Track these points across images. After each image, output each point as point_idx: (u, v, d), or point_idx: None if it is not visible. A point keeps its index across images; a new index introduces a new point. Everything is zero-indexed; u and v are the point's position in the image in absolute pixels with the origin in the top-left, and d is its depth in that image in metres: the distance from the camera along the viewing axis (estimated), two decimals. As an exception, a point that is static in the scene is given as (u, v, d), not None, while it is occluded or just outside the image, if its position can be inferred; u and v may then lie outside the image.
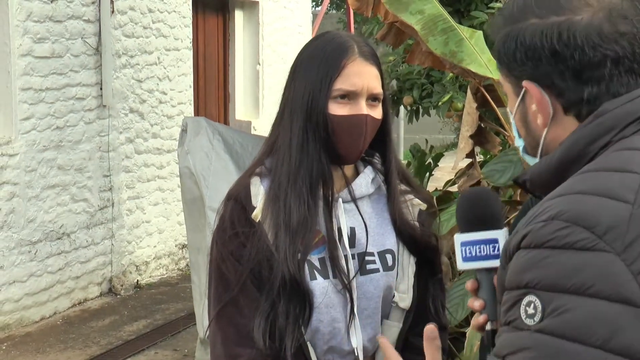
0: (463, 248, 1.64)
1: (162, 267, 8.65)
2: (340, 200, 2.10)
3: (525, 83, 1.48)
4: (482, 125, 4.29)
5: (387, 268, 2.12)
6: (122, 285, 7.93)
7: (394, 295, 2.13)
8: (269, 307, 2.01)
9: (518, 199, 4.17)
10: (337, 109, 2.05)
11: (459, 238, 1.65)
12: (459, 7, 7.09)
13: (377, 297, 2.10)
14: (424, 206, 2.22)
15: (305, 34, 11.03)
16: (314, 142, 2.05)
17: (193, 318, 5.60)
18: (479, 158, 5.36)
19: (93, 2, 7.55)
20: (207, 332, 2.13)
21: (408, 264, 2.15)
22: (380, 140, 2.16)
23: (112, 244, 7.92)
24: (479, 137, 4.30)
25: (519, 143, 1.59)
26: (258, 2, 10.11)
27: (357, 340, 2.07)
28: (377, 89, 2.08)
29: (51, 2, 7.09)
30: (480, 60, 3.77)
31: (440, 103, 7.39)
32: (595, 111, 1.43)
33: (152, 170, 8.44)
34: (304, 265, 2.02)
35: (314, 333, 2.05)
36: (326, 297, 2.04)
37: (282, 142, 2.09)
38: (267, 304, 2.01)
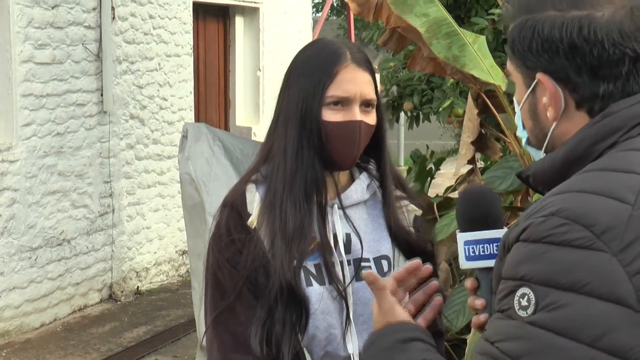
0: (466, 247, 1.65)
1: (163, 273, 8.64)
2: (335, 206, 2.11)
3: (539, 75, 1.47)
4: (483, 131, 4.29)
5: (382, 274, 2.12)
6: (122, 292, 7.92)
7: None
8: (266, 314, 2.02)
9: (519, 204, 4.17)
10: (330, 115, 2.06)
11: (462, 237, 1.65)
12: (459, 13, 7.10)
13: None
14: (419, 212, 2.23)
15: (305, 40, 11.03)
16: (308, 149, 2.06)
17: (193, 324, 5.60)
18: (480, 164, 5.36)
19: (94, 9, 7.56)
20: (204, 339, 2.13)
21: None
22: (375, 146, 2.17)
23: (113, 250, 7.91)
24: (480, 143, 4.29)
25: (522, 134, 1.58)
26: (258, 8, 10.12)
27: (353, 346, 2.07)
28: (370, 94, 2.09)
29: (52, 8, 7.10)
30: (483, 66, 3.77)
31: (440, 109, 7.39)
32: (603, 111, 1.44)
33: (152, 176, 8.44)
34: (300, 272, 2.03)
35: (311, 339, 2.05)
36: (322, 303, 2.04)
37: (277, 150, 2.10)
38: (263, 311, 2.02)
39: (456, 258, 4.31)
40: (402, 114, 8.82)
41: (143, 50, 8.24)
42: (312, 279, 2.05)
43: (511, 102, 4.28)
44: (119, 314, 7.54)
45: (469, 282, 1.64)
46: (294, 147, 2.07)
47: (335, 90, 2.06)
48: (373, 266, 2.11)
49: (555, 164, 1.46)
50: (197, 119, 9.19)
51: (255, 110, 10.16)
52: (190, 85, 8.98)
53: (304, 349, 2.05)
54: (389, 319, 1.64)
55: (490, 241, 1.62)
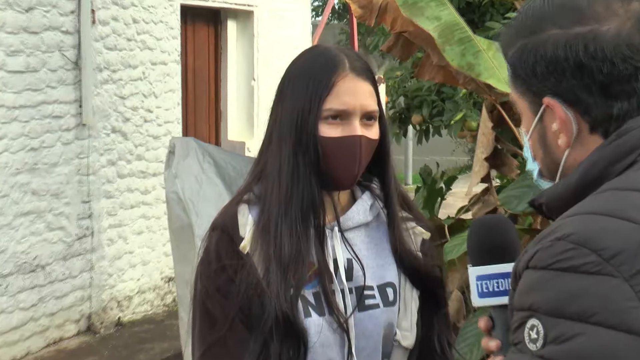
0: (479, 283, 1.64)
1: (147, 302, 8.63)
2: (335, 229, 2.11)
3: (546, 100, 1.48)
4: (498, 146, 4.30)
5: (387, 303, 2.12)
6: (102, 323, 7.91)
7: (395, 333, 2.13)
8: (260, 348, 2.01)
9: (538, 227, 4.17)
10: (328, 130, 2.06)
11: (474, 271, 1.65)
12: (472, 17, 7.12)
13: (377, 335, 2.10)
14: (427, 235, 2.23)
15: (304, 47, 11.04)
16: (304, 168, 2.07)
17: (180, 358, 5.59)
18: (495, 183, 5.36)
19: (72, 12, 7.58)
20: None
21: (411, 299, 2.16)
22: (378, 163, 2.17)
23: (92, 277, 7.90)
24: (495, 159, 4.30)
25: (533, 167, 1.59)
26: (253, 11, 10.15)
27: (355, 383, 2.06)
28: (372, 106, 2.09)
29: (26, 11, 7.12)
30: (499, 75, 3.78)
31: (452, 122, 7.40)
32: (617, 130, 1.44)
33: (136, 195, 8.44)
34: (297, 302, 2.03)
35: (309, 375, 2.05)
36: (321, 335, 2.04)
37: (271, 168, 2.10)
38: (257, 344, 2.01)
39: (469, 286, 4.30)
40: (410, 128, 8.82)
41: (126, 58, 8.25)
42: (310, 309, 2.05)
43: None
44: (98, 347, 7.52)
45: (482, 322, 1.65)
46: (289, 166, 2.07)
47: (332, 103, 2.06)
48: (377, 294, 2.11)
49: (569, 189, 1.47)
50: (186, 132, 9.20)
51: (249, 123, 10.17)
52: (177, 96, 8.99)
53: (302, 385, 2.04)
54: None
55: (505, 276, 1.62)
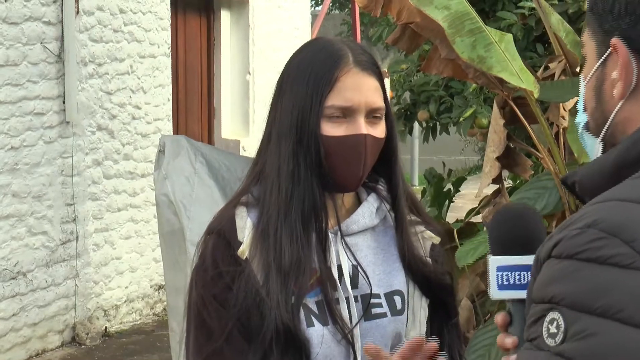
0: (500, 274, 1.64)
1: (135, 311, 8.64)
2: (339, 234, 2.11)
3: (614, 40, 1.48)
4: (510, 145, 4.30)
5: (395, 312, 2.12)
6: (87, 334, 7.91)
7: (403, 344, 2.13)
8: None
9: (554, 230, 4.17)
10: (331, 129, 2.07)
11: (495, 261, 1.64)
12: (483, 6, 7.11)
13: (385, 346, 2.10)
14: (437, 239, 2.23)
15: (303, 38, 11.07)
16: (305, 169, 2.07)
17: (171, 372, 5.59)
18: (507, 184, 5.36)
19: (54, 1, 7.59)
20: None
21: (420, 307, 2.16)
22: (384, 163, 2.17)
23: (76, 285, 7.91)
24: (507, 159, 4.30)
25: (581, 119, 1.58)
26: (248, 1, 10.16)
27: (361, 398, 2.07)
28: (378, 102, 2.10)
29: (5, 1, 7.13)
30: (512, 68, 3.78)
31: (461, 119, 7.40)
32: None
33: (123, 197, 8.44)
34: (299, 312, 2.03)
35: (312, 389, 2.05)
36: (324, 346, 2.04)
37: (271, 169, 2.10)
38: (256, 356, 2.02)
39: (480, 294, 4.31)
40: (416, 125, 8.82)
41: (112, 50, 8.26)
42: (313, 318, 2.05)
43: (544, 110, 4.30)
44: (83, 359, 7.52)
45: (499, 317, 1.63)
46: (288, 166, 2.07)
47: (335, 99, 2.06)
48: (384, 303, 2.12)
49: (605, 169, 1.46)
50: (176, 130, 9.21)
51: (244, 120, 10.18)
52: (167, 92, 9.00)
53: (304, 400, 2.05)
54: None
55: (528, 268, 1.60)
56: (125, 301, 8.50)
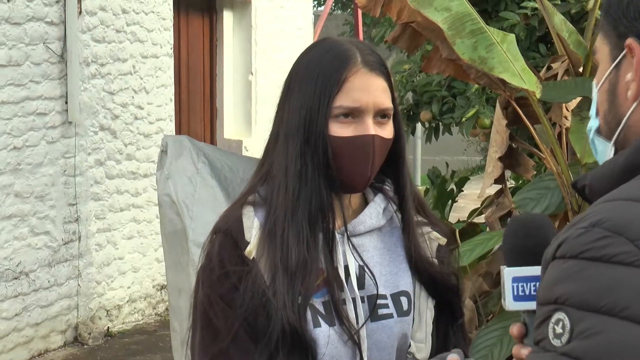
0: (515, 285, 1.64)
1: (137, 311, 8.64)
2: (346, 234, 2.11)
3: (629, 40, 1.48)
4: (513, 145, 4.30)
5: (402, 313, 2.12)
6: (90, 334, 7.91)
7: (409, 345, 2.13)
8: None
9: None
10: (339, 129, 2.06)
11: (510, 272, 1.65)
12: (485, 6, 7.11)
13: (391, 347, 2.10)
14: (443, 240, 2.23)
15: (305, 39, 11.07)
16: (312, 169, 2.07)
17: (173, 372, 5.58)
18: (510, 184, 5.36)
19: (57, 2, 7.59)
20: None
21: (426, 308, 2.16)
22: (392, 164, 2.17)
23: (79, 285, 7.91)
24: (510, 159, 4.30)
25: (593, 124, 1.58)
26: (250, 1, 10.15)
27: (367, 399, 2.07)
28: (386, 103, 2.09)
29: (8, 1, 7.13)
30: (514, 69, 3.78)
31: (464, 119, 7.40)
32: None
33: (126, 197, 8.44)
34: (306, 312, 2.03)
35: (318, 390, 2.05)
36: (331, 347, 2.04)
37: (278, 169, 2.10)
38: (262, 357, 2.02)
39: (482, 294, 4.31)
40: (418, 125, 8.82)
41: (115, 50, 8.26)
42: (320, 318, 2.05)
43: (547, 111, 4.30)
44: (86, 359, 7.52)
45: (515, 328, 1.64)
46: (296, 167, 2.07)
47: (343, 100, 2.06)
48: (390, 303, 2.12)
49: (615, 171, 1.46)
50: (179, 130, 9.21)
51: (247, 120, 10.18)
52: (170, 92, 9.00)
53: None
54: None
55: None
56: (127, 301, 8.50)
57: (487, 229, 4.47)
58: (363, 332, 2.07)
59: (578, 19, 6.11)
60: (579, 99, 4.05)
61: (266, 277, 2.03)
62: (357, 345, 2.05)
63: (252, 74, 10.20)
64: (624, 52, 1.49)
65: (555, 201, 3.97)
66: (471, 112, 7.28)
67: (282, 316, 1.99)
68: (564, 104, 4.20)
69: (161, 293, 8.79)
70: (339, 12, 22.08)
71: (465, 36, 3.81)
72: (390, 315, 2.11)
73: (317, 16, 12.98)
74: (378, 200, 2.18)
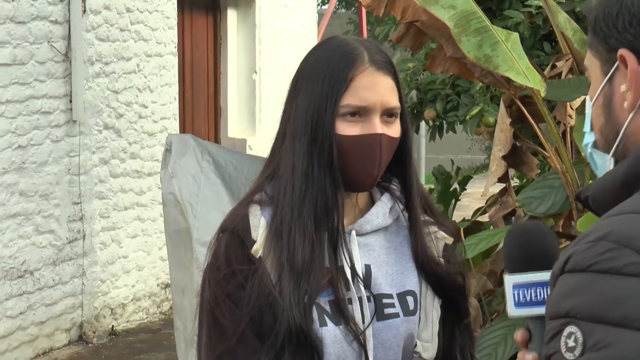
0: (516, 291, 1.65)
1: (142, 310, 8.64)
2: (353, 233, 2.11)
3: (622, 51, 1.48)
4: (517, 144, 4.30)
5: (407, 312, 2.12)
6: (94, 332, 7.92)
7: (415, 345, 2.13)
8: None
9: (560, 230, 4.17)
10: (346, 128, 2.06)
11: (511, 279, 1.65)
12: (490, 5, 7.10)
13: (397, 346, 2.10)
14: (450, 240, 2.23)
15: (309, 37, 11.07)
16: (319, 168, 2.06)
17: (178, 371, 5.58)
18: (514, 182, 5.36)
19: (61, 0, 7.59)
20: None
21: (432, 308, 2.16)
22: (398, 163, 2.17)
23: (83, 284, 7.91)
24: (514, 158, 4.30)
25: (588, 139, 1.58)
26: (254, 0, 10.15)
27: (373, 398, 2.06)
28: (393, 102, 2.09)
29: (12, 0, 7.13)
30: (518, 67, 3.78)
31: (468, 117, 7.39)
32: None
33: (130, 196, 8.45)
34: (312, 311, 2.03)
35: (324, 389, 2.05)
36: (337, 346, 2.04)
37: (285, 168, 2.10)
38: (269, 357, 2.02)
39: (486, 293, 4.31)
40: (422, 124, 8.82)
41: (119, 49, 8.26)
42: (326, 318, 2.05)
43: (551, 109, 4.29)
44: (90, 358, 7.53)
45: (518, 334, 1.64)
46: (303, 166, 2.07)
47: (350, 99, 2.06)
48: (397, 303, 2.12)
49: (616, 181, 1.46)
50: (183, 129, 9.21)
51: (251, 119, 10.17)
52: (174, 90, 9.00)
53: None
54: None
55: (544, 284, 1.62)
56: (132, 300, 8.50)
57: (491, 227, 4.47)
58: (369, 332, 2.07)
59: (582, 18, 6.10)
60: (583, 97, 4.04)
61: (272, 276, 2.03)
62: (362, 344, 2.05)
63: (256, 72, 10.20)
64: (616, 64, 1.50)
65: (559, 200, 3.97)
66: (475, 111, 7.27)
67: (288, 315, 1.99)
68: (568, 103, 4.19)
69: (165, 292, 8.79)
70: (343, 10, 22.08)
71: (471, 34, 3.81)
72: (396, 315, 2.11)
73: (321, 15, 12.97)
74: (385, 200, 2.18)
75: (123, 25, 8.30)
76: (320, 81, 2.07)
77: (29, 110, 7.31)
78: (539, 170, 4.52)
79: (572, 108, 4.21)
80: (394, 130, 2.10)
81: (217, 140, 9.77)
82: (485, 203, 4.76)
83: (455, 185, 5.85)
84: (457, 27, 3.80)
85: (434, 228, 2.21)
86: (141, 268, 8.61)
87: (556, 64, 4.44)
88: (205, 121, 9.85)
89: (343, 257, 2.08)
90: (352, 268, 2.08)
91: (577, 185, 3.92)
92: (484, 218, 4.94)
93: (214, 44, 9.92)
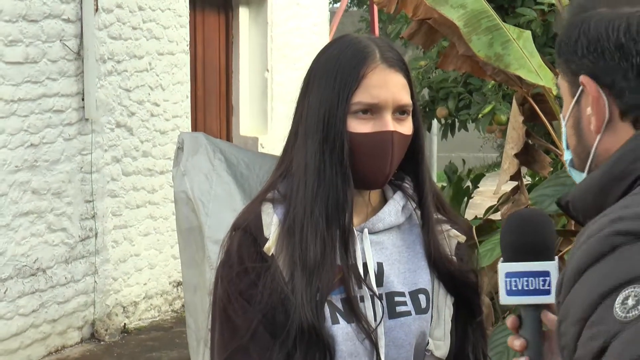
0: (508, 280, 1.67)
1: (154, 308, 8.65)
2: (366, 231, 2.11)
3: (582, 78, 1.50)
4: (529, 141, 4.29)
5: (420, 310, 2.12)
6: (106, 330, 7.93)
7: (428, 343, 2.13)
8: (284, 358, 2.02)
9: (572, 228, 4.16)
10: (357, 126, 2.06)
11: (503, 268, 1.67)
12: (502, 3, 7.10)
13: (409, 344, 2.10)
14: (462, 238, 2.23)
15: (321, 35, 11.07)
16: (331, 166, 2.07)
17: (190, 369, 5.59)
18: (526, 181, 5.35)
19: (74, -1, 7.60)
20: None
21: (444, 306, 2.16)
22: (411, 160, 2.17)
23: (95, 282, 7.93)
24: (526, 155, 4.29)
25: (567, 156, 1.60)
26: (266, -3, 10.16)
27: (385, 396, 2.07)
28: (405, 99, 2.09)
29: (25, -2, 7.15)
30: (530, 65, 3.78)
31: (480, 115, 7.39)
32: None
33: (142, 194, 8.46)
34: (323, 309, 2.03)
35: (336, 387, 2.05)
36: (349, 344, 2.05)
37: (297, 166, 2.11)
38: (281, 354, 2.02)
39: (498, 291, 4.30)
40: (434, 122, 8.81)
41: (131, 48, 8.27)
42: (338, 315, 2.05)
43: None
44: (102, 356, 7.54)
45: (509, 321, 1.66)
46: (315, 164, 2.07)
47: (362, 96, 2.06)
48: (409, 301, 2.12)
49: (593, 187, 1.48)
50: (195, 127, 9.22)
51: (263, 117, 10.18)
52: (186, 89, 9.01)
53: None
54: None
55: (536, 274, 1.64)
56: (144, 298, 8.51)
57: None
58: (381, 330, 2.07)
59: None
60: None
61: (285, 274, 2.04)
62: (373, 342, 2.06)
63: (268, 70, 10.20)
64: (580, 88, 1.52)
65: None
66: (487, 109, 7.28)
67: (300, 313, 2.00)
68: (580, 101, 4.18)
69: (177, 289, 8.81)
70: (355, 8, 22.06)
71: (481, 33, 3.81)
72: (408, 313, 2.11)
73: (332, 13, 12.97)
74: (397, 198, 2.18)
75: (135, 24, 8.32)
76: (332, 79, 2.08)
77: (41, 108, 7.32)
78: (552, 169, 4.51)
79: (584, 106, 4.20)
80: (406, 127, 2.10)
81: (229, 138, 9.77)
82: (498, 201, 4.75)
83: (468, 183, 5.86)
84: (466, 26, 3.79)
85: (446, 226, 2.21)
86: (153, 266, 8.62)
87: (568, 61, 4.42)
88: (217, 119, 9.86)
89: (355, 255, 2.08)
90: (365, 266, 2.08)
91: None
92: (496, 216, 4.93)
93: (225, 42, 9.93)
